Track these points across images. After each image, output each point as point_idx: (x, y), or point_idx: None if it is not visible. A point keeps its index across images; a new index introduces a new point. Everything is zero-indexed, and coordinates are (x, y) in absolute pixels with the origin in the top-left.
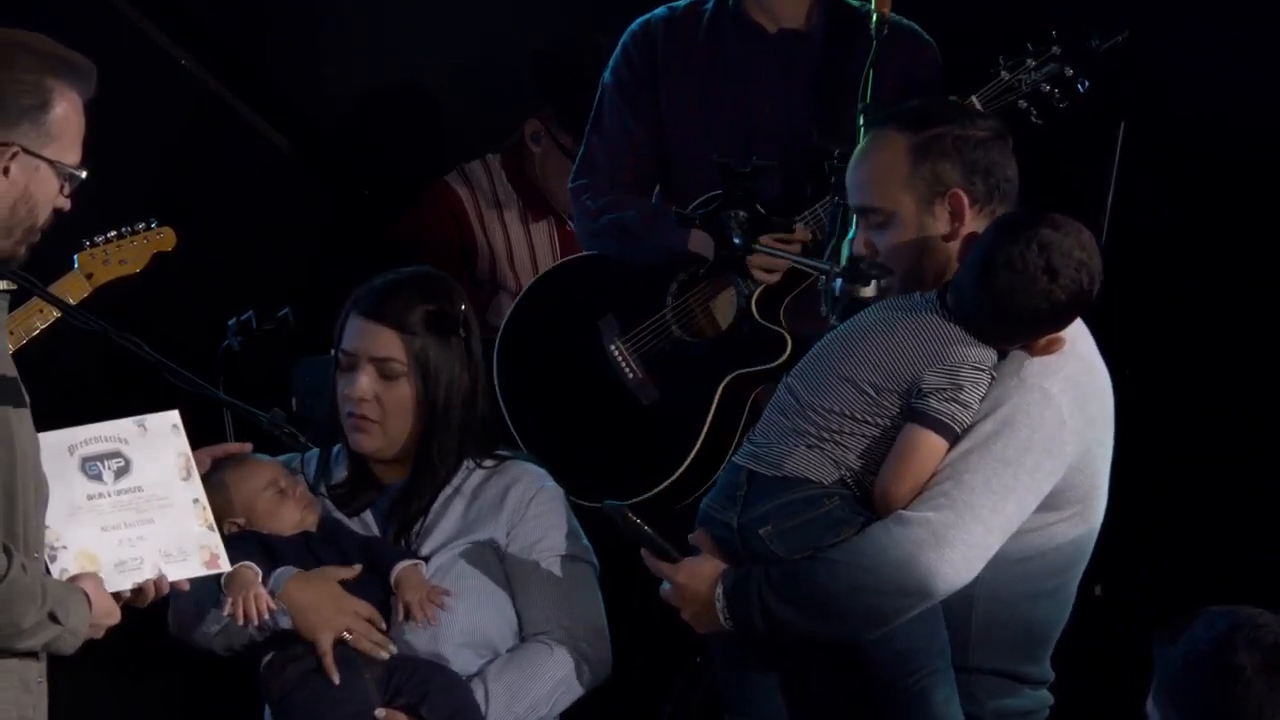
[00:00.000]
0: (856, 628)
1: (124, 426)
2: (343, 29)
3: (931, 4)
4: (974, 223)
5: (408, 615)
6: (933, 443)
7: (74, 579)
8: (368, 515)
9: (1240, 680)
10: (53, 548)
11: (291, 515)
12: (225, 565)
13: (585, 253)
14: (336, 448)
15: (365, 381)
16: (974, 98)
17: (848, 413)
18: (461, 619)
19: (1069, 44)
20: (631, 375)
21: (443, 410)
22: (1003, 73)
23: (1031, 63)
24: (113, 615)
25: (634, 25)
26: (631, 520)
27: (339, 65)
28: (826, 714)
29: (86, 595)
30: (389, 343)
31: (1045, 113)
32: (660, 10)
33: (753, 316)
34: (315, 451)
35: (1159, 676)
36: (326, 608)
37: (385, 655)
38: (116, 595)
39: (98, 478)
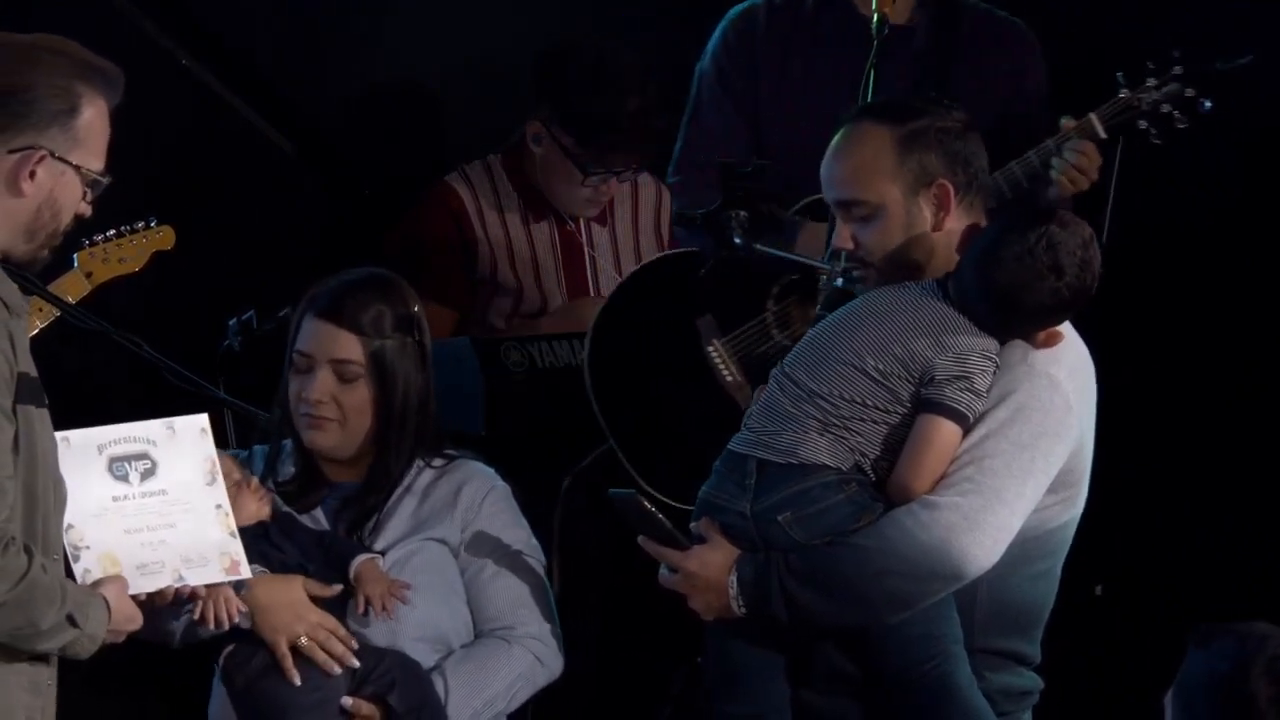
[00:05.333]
0: (881, 612)
1: (153, 428)
2: (343, 29)
3: (1051, 18)
4: (956, 213)
5: (368, 609)
6: (950, 431)
7: (98, 583)
8: (318, 512)
9: (1251, 710)
10: (76, 548)
11: (249, 506)
12: (246, 572)
13: (684, 249)
14: (285, 444)
15: (322, 383)
16: (1093, 115)
17: (857, 399)
18: (418, 613)
19: (1191, 64)
20: (730, 377)
21: (399, 412)
22: (1122, 91)
23: (1153, 82)
24: (134, 621)
25: (733, 12)
26: (645, 508)
27: (339, 65)
28: (841, 698)
29: (106, 602)
30: (347, 345)
31: (1165, 133)
32: None
33: None
34: (262, 447)
35: (1183, 675)
36: (285, 613)
37: (338, 670)
38: (133, 597)
39: (124, 479)
